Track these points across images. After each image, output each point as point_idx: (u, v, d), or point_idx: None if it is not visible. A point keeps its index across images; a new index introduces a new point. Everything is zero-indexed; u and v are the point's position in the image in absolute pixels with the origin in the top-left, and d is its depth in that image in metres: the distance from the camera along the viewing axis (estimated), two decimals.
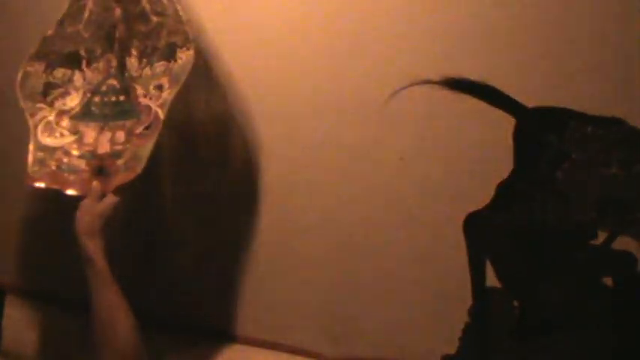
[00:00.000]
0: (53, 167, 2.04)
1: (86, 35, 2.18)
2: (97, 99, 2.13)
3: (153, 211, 2.32)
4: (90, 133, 2.09)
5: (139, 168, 1.95)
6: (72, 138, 2.09)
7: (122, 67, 2.15)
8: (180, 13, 2.09)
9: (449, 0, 1.93)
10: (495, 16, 1.88)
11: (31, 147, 2.06)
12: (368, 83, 2.01)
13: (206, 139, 2.26)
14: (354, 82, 2.04)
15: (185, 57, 2.04)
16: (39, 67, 2.15)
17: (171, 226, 2.31)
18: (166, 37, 2.09)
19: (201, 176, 2.26)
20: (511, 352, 1.82)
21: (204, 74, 2.18)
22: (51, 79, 2.15)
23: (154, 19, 2.12)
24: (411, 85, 1.84)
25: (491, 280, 1.83)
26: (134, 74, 2.12)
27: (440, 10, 1.94)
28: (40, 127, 2.09)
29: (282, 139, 2.15)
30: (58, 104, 2.13)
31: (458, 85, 1.81)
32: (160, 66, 2.08)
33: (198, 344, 2.23)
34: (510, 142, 1.79)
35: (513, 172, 1.79)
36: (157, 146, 1.98)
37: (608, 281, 1.76)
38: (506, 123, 1.79)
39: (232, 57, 2.19)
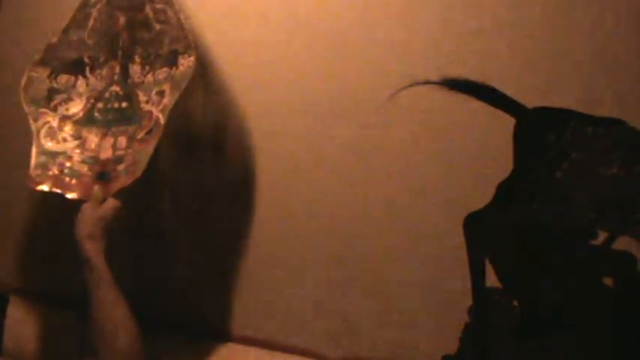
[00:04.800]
0: (55, 171, 2.02)
1: (90, 43, 2.17)
2: (100, 105, 2.11)
3: (150, 213, 2.29)
4: (92, 139, 2.07)
5: (139, 172, 1.94)
6: (74, 143, 2.07)
7: (125, 73, 2.13)
8: (183, 20, 2.08)
9: (449, 0, 1.91)
10: (495, 17, 1.86)
11: (33, 151, 2.04)
12: (368, 84, 2.00)
13: (203, 142, 2.24)
14: (353, 83, 2.02)
15: (186, 63, 2.03)
16: (43, 72, 2.14)
17: (168, 227, 2.27)
18: (169, 44, 2.09)
19: (198, 178, 2.24)
20: (511, 352, 1.77)
21: (202, 78, 2.16)
22: (55, 85, 2.14)
23: (157, 26, 2.12)
24: (411, 85, 1.82)
25: (492, 280, 1.78)
26: (137, 80, 2.10)
27: (440, 10, 1.92)
28: (43, 132, 2.08)
29: (279, 141, 2.13)
30: (61, 110, 2.12)
31: (458, 85, 1.78)
32: (162, 72, 2.07)
33: (197, 344, 2.19)
34: (510, 142, 1.74)
35: (513, 172, 1.75)
36: (156, 149, 1.96)
37: (608, 281, 1.71)
38: (506, 123, 1.75)
39: (230, 61, 2.18)
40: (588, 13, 1.78)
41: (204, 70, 2.15)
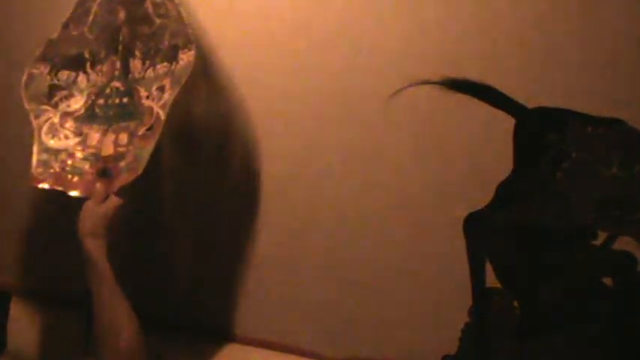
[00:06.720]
0: (57, 169, 2.01)
1: (91, 38, 2.16)
2: (101, 101, 2.11)
3: (153, 211, 2.27)
4: (94, 135, 2.06)
5: (140, 169, 1.93)
6: (76, 140, 2.06)
7: (126, 69, 2.12)
8: (183, 14, 2.07)
9: (449, 0, 1.90)
10: (496, 17, 1.87)
11: (35, 148, 2.04)
12: (368, 84, 2.00)
13: (206, 139, 2.24)
14: (354, 82, 2.02)
15: (186, 58, 2.02)
16: (44, 69, 2.13)
17: (171, 225, 2.26)
18: (169, 38, 2.08)
19: (201, 176, 2.25)
20: (511, 352, 1.76)
21: (204, 74, 2.16)
22: (55, 81, 2.13)
23: (157, 21, 2.11)
24: (411, 85, 1.79)
25: (491, 280, 1.77)
26: (137, 76, 2.10)
27: (440, 10, 1.92)
28: (44, 129, 2.07)
29: (281, 138, 2.13)
30: (62, 106, 2.11)
31: (458, 85, 1.76)
32: (162, 67, 2.06)
33: (198, 344, 2.20)
34: (510, 142, 1.72)
35: (513, 172, 1.73)
36: (158, 146, 1.95)
37: (608, 281, 1.70)
38: (506, 123, 1.73)
39: (232, 57, 2.18)
40: (588, 13, 1.78)
41: (206, 68, 2.14)
